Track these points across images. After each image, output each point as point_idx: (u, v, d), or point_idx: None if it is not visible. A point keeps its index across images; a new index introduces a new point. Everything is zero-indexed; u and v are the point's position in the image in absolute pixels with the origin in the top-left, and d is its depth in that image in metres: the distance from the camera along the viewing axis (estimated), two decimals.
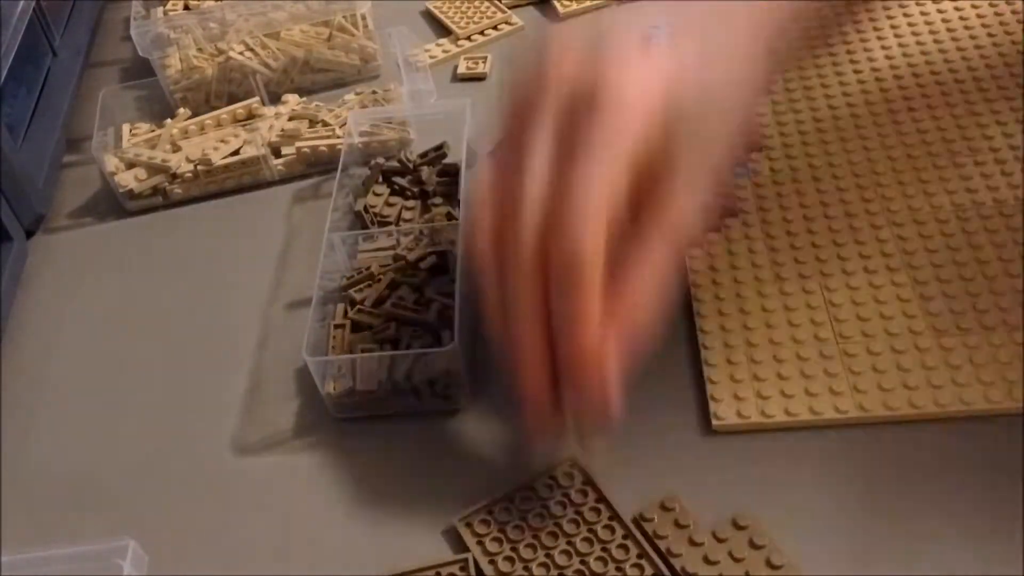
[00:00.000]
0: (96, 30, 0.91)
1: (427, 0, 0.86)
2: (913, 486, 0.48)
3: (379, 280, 0.59)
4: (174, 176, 0.72)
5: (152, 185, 0.72)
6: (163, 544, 0.51)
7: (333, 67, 0.78)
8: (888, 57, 0.70)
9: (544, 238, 0.44)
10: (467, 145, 0.67)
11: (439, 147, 0.69)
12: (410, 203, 0.66)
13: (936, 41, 0.70)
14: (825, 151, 0.64)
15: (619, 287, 0.44)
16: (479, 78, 0.78)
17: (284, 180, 0.73)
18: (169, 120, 0.76)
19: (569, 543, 0.47)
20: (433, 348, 0.54)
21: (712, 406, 0.52)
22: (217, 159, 0.72)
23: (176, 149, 0.73)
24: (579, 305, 0.43)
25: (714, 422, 0.51)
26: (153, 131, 0.75)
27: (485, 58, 0.79)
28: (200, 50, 0.80)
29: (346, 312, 0.58)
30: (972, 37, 0.70)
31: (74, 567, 0.48)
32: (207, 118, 0.76)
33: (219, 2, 0.84)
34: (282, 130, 0.73)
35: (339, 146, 0.70)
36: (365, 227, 0.64)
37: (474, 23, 0.83)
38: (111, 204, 0.73)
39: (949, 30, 0.71)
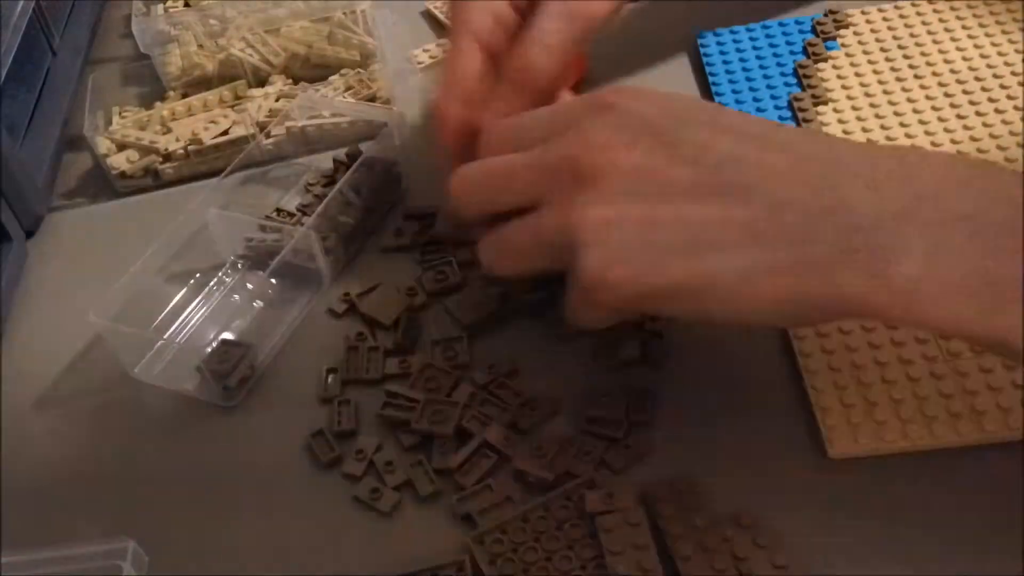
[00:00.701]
0: (96, 29, 0.91)
1: (427, 0, 0.86)
2: None
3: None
4: (166, 157, 0.73)
5: (143, 166, 0.72)
6: (163, 544, 0.51)
7: (333, 63, 0.78)
8: (946, 62, 0.69)
9: None
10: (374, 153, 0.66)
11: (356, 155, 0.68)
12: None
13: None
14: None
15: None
16: None
17: (273, 159, 0.73)
18: (159, 103, 0.77)
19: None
20: None
21: (825, 432, 0.49)
22: (207, 139, 0.72)
23: (166, 131, 0.74)
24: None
25: (829, 450, 0.49)
26: (137, 113, 0.76)
27: None
28: (201, 47, 0.80)
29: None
30: None
31: (74, 567, 0.48)
32: (195, 99, 0.76)
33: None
34: (270, 111, 0.74)
35: (327, 126, 0.71)
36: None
37: None
38: (102, 186, 0.74)
39: None
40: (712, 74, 0.72)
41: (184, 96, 0.78)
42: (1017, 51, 0.68)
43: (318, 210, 0.62)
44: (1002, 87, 0.66)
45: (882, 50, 0.71)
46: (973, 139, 0.63)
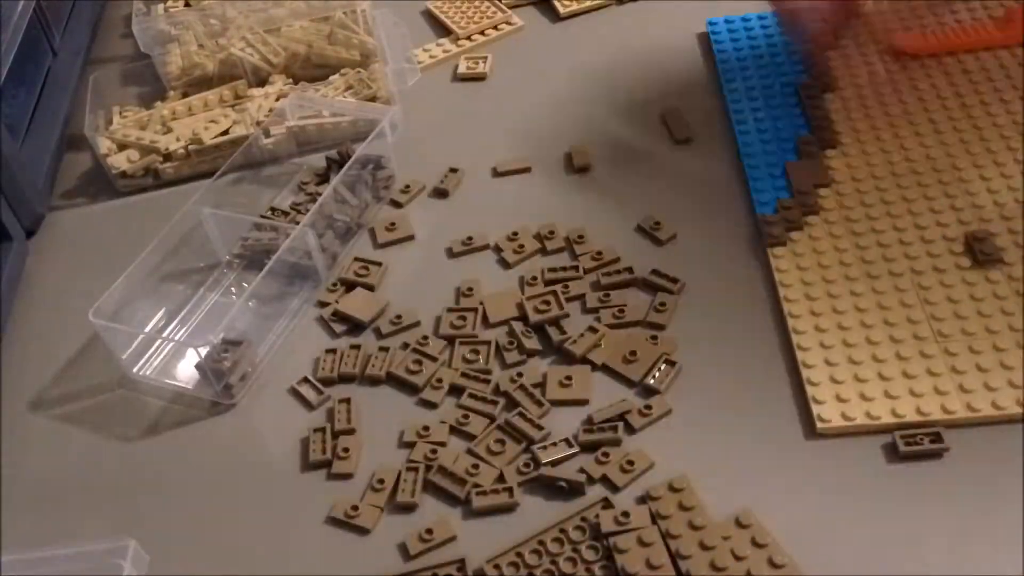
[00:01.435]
0: (96, 29, 0.91)
1: (427, 0, 0.86)
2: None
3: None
4: (166, 156, 0.73)
5: (144, 166, 0.72)
6: (163, 544, 0.51)
7: (333, 63, 0.78)
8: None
9: None
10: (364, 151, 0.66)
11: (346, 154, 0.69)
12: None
13: None
14: (901, 146, 0.64)
15: None
16: (479, 78, 0.78)
17: (274, 159, 0.73)
18: (159, 103, 0.77)
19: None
20: None
21: (815, 408, 0.50)
22: (208, 139, 0.72)
23: (167, 130, 0.74)
24: None
25: (818, 424, 0.50)
26: (137, 113, 0.76)
27: (485, 58, 0.79)
28: (201, 46, 0.80)
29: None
30: None
31: (74, 567, 0.48)
32: (195, 99, 0.76)
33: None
34: (270, 110, 0.74)
35: (327, 125, 0.72)
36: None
37: (474, 23, 0.83)
38: (102, 185, 0.74)
39: None
40: (723, 60, 0.73)
41: (184, 96, 0.78)
42: None
43: (314, 208, 0.62)
44: (1008, 77, 0.67)
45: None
46: (990, 114, 0.64)
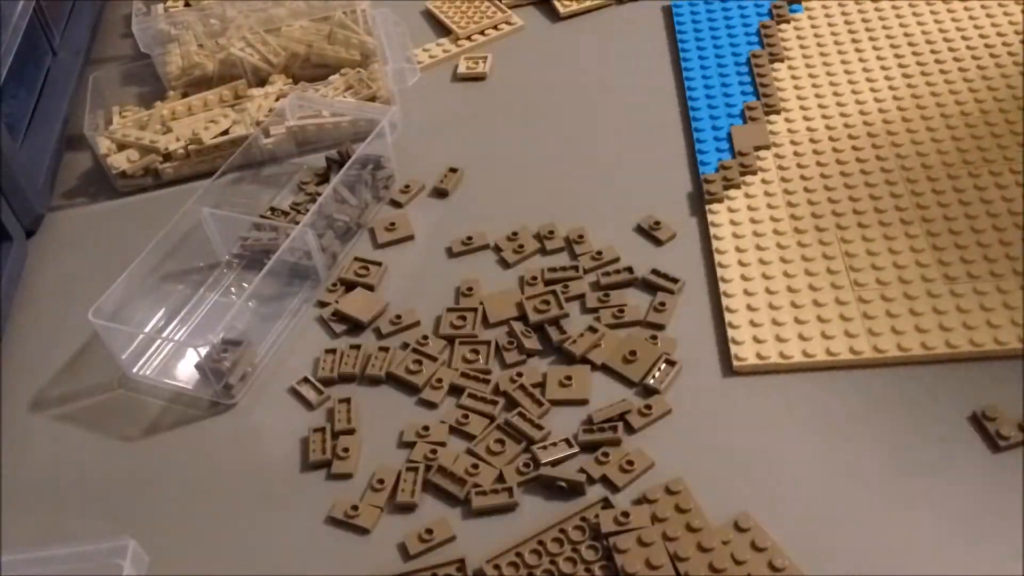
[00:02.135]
0: (96, 29, 0.91)
1: (427, 0, 0.86)
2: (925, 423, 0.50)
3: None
4: (166, 156, 0.73)
5: (144, 165, 0.72)
6: (163, 544, 0.51)
7: (333, 63, 0.78)
8: (902, 26, 0.73)
9: None
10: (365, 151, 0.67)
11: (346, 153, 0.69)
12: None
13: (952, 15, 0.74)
14: (841, 113, 0.67)
15: None
16: (479, 78, 0.78)
17: (274, 159, 0.73)
18: (159, 103, 0.77)
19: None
20: None
21: (733, 348, 0.54)
22: (207, 138, 0.72)
23: (167, 130, 0.74)
24: None
25: (735, 363, 0.53)
26: (137, 113, 0.76)
27: (485, 58, 0.79)
28: (201, 46, 0.80)
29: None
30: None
31: (74, 567, 0.48)
32: (195, 99, 0.76)
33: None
34: (270, 110, 0.74)
35: (327, 125, 0.72)
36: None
37: (474, 23, 0.83)
38: (102, 185, 0.74)
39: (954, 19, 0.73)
40: (682, 40, 0.76)
41: (184, 95, 0.78)
42: (971, 18, 0.72)
43: (313, 208, 0.62)
44: (950, 50, 0.70)
45: (843, 14, 0.76)
46: (919, 106, 0.67)
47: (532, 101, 0.75)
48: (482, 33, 0.82)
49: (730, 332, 0.54)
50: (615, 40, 0.79)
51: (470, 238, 0.64)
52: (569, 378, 0.54)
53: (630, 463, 0.50)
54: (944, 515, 0.46)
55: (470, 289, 0.61)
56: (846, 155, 0.64)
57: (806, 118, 0.67)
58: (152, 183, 0.73)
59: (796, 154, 0.65)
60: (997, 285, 0.54)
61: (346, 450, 0.53)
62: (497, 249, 0.63)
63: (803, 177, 0.63)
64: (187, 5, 0.87)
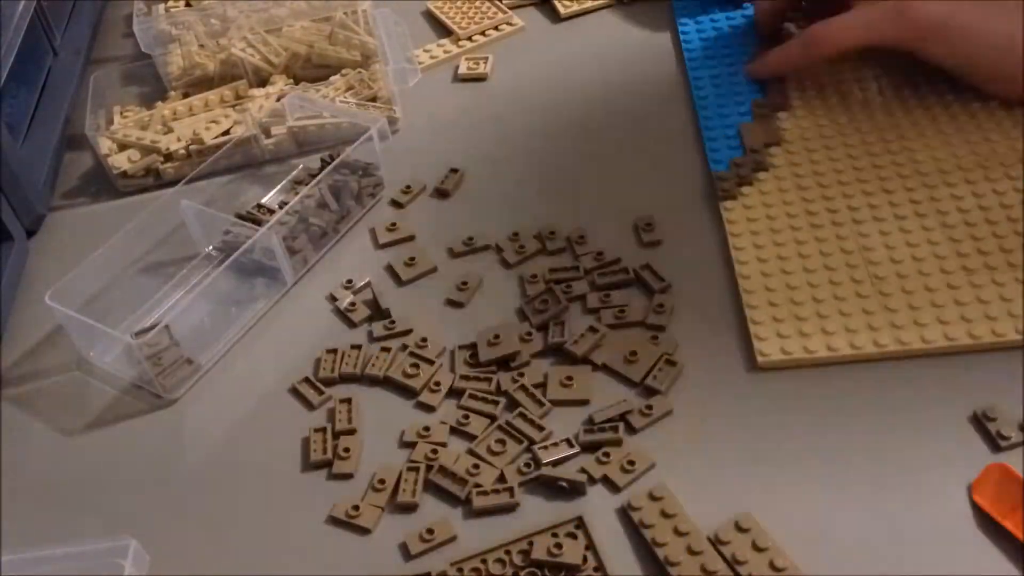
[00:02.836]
0: (97, 29, 0.91)
1: (427, 0, 0.86)
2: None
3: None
4: (167, 156, 0.73)
5: (145, 166, 0.72)
6: (163, 544, 0.51)
7: (334, 63, 0.78)
8: None
9: None
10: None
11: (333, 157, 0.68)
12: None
13: None
14: (847, 111, 0.68)
15: None
16: (480, 78, 0.78)
17: (275, 159, 0.73)
18: (160, 103, 0.77)
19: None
20: None
21: (756, 344, 0.54)
22: (209, 139, 0.72)
23: (168, 130, 0.74)
24: None
25: (759, 359, 0.53)
26: (138, 113, 0.76)
27: (486, 58, 0.79)
28: (202, 46, 0.80)
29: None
30: None
31: (74, 567, 0.48)
32: (196, 99, 0.76)
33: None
34: (271, 110, 0.74)
35: (327, 126, 0.72)
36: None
37: (475, 23, 0.83)
38: (103, 185, 0.74)
39: None
40: (685, 40, 0.76)
41: (185, 96, 0.78)
42: None
43: (284, 209, 0.62)
44: None
45: None
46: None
47: (534, 102, 0.75)
48: (483, 34, 0.82)
49: (752, 328, 0.55)
50: (617, 40, 0.79)
51: (471, 238, 0.64)
52: (570, 378, 0.54)
53: (631, 463, 0.50)
54: (955, 516, 0.46)
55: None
56: (856, 150, 0.64)
57: (814, 114, 0.68)
58: (153, 183, 0.73)
59: (808, 149, 0.65)
60: (1014, 276, 0.55)
61: (347, 450, 0.53)
62: (498, 249, 0.63)
63: (816, 172, 0.63)
64: (188, 5, 0.87)
